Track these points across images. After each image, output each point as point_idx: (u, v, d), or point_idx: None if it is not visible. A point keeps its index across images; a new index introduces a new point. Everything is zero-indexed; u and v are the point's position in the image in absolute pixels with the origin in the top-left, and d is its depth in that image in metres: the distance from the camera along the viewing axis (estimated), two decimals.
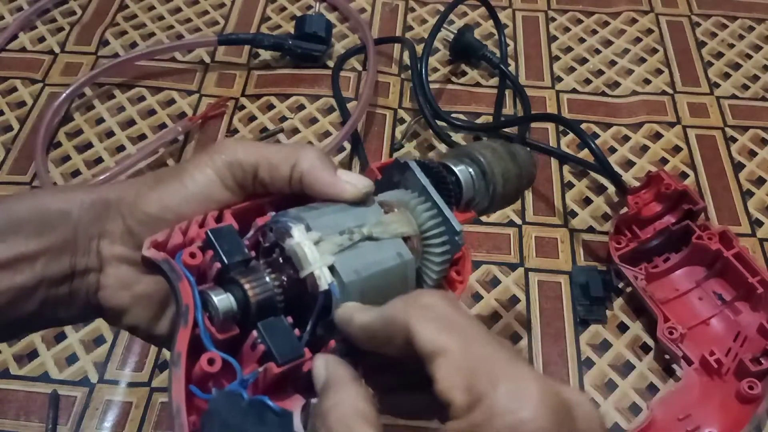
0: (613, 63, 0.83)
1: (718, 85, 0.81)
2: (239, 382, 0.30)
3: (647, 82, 0.81)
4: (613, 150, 0.74)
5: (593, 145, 0.65)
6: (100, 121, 0.76)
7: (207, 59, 0.82)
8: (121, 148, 0.74)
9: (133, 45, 0.84)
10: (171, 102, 0.78)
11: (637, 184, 0.66)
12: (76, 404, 0.56)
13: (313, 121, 0.76)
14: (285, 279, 0.33)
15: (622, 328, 0.61)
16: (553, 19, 0.88)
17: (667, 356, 0.59)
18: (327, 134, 0.75)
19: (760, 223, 0.69)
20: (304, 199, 0.36)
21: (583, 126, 0.76)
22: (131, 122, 0.76)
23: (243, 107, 0.77)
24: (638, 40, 0.86)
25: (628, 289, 0.63)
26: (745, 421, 0.53)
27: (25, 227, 0.33)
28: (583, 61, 0.83)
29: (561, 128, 0.76)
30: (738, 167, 0.73)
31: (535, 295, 0.63)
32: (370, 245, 0.34)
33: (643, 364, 0.59)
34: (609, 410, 0.57)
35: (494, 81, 0.80)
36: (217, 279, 0.33)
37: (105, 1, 0.89)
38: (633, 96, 0.79)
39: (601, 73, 0.82)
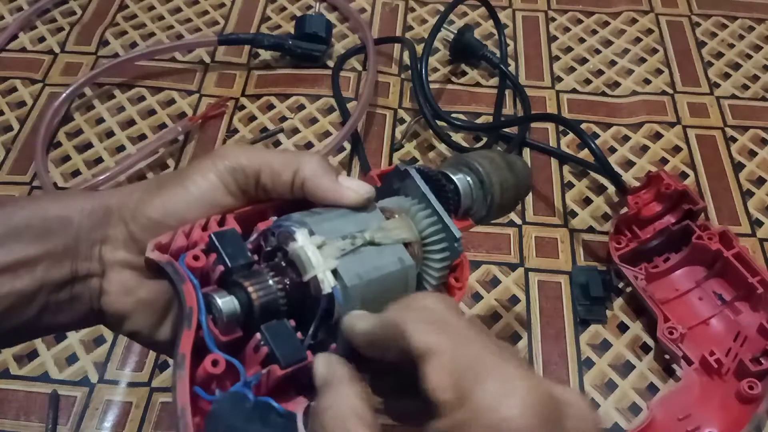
0: (613, 63, 0.83)
1: (718, 85, 0.81)
2: (243, 384, 0.30)
3: (647, 82, 0.81)
4: (613, 150, 0.75)
5: (593, 145, 0.65)
6: (100, 121, 0.76)
7: (207, 59, 0.82)
8: (121, 148, 0.74)
9: (133, 45, 0.84)
10: (171, 102, 0.78)
11: (637, 184, 0.66)
12: (76, 404, 0.56)
13: (313, 121, 0.76)
14: (288, 282, 0.33)
15: (622, 328, 0.62)
16: (553, 19, 0.88)
17: (667, 356, 0.59)
18: (327, 134, 0.75)
19: (760, 223, 0.69)
20: (305, 205, 0.36)
21: (583, 126, 0.76)
22: (131, 122, 0.76)
23: (243, 107, 0.77)
24: (638, 40, 0.86)
25: (628, 289, 0.63)
26: (745, 421, 0.53)
27: (25, 233, 0.33)
28: (583, 61, 0.83)
29: (561, 128, 0.76)
30: (738, 167, 0.73)
31: (535, 295, 0.63)
32: (372, 250, 0.34)
33: (643, 364, 0.59)
34: (609, 410, 0.57)
35: (494, 81, 0.80)
36: (220, 282, 0.33)
37: (105, 1, 0.88)
38: (633, 96, 0.80)
39: (601, 73, 0.82)
